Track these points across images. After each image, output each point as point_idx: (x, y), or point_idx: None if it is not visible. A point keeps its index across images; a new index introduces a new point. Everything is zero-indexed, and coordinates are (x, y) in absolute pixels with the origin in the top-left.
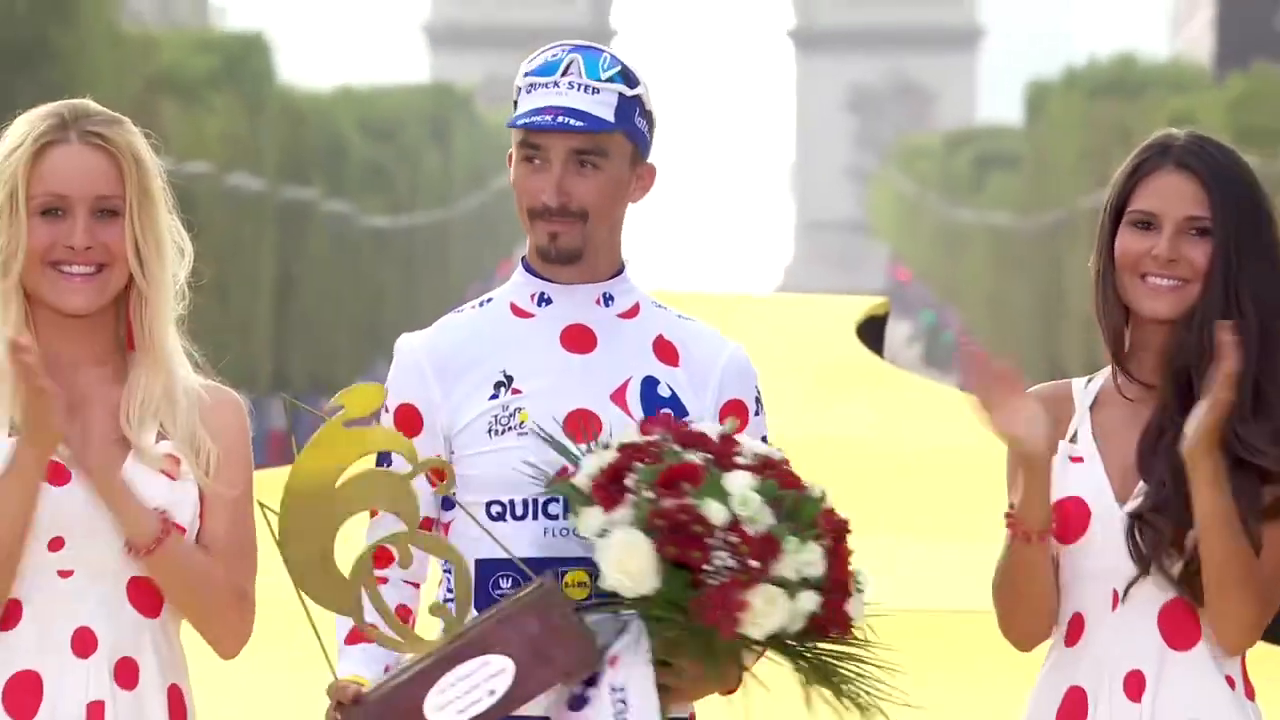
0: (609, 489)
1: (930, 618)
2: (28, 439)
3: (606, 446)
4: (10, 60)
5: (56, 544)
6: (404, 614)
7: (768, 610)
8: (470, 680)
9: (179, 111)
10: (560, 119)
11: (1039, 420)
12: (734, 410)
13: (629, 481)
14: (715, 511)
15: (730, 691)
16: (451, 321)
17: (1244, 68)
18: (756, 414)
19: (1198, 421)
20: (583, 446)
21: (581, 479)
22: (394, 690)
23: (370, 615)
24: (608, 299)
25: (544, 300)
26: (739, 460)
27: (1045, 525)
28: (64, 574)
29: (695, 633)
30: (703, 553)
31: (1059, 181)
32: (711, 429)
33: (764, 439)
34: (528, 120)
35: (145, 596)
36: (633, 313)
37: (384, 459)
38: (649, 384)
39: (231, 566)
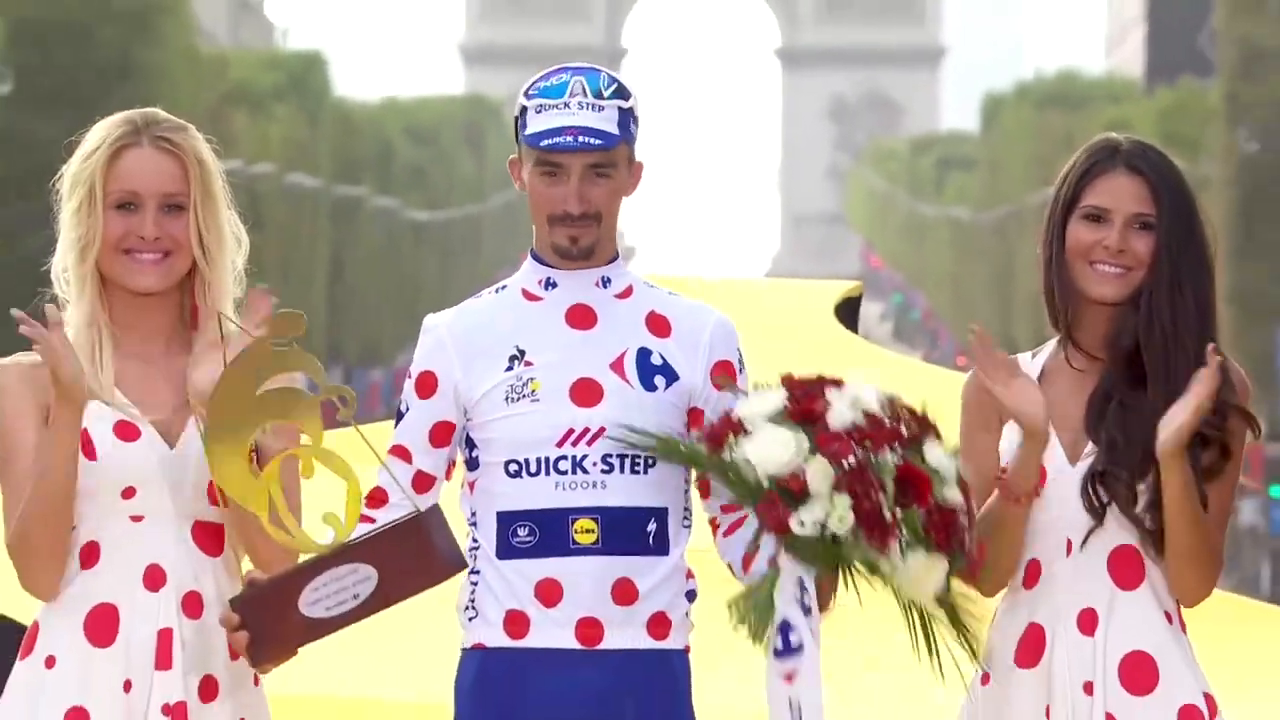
0: (878, 527)
1: None
2: (57, 393)
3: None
4: (100, 76)
5: (129, 493)
6: None
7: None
8: (341, 583)
9: (247, 120)
10: (580, 139)
11: (1038, 399)
12: (723, 369)
13: (887, 515)
14: (954, 496)
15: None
16: (472, 306)
17: (1171, 82)
18: (740, 371)
19: (1177, 425)
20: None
21: (839, 527)
22: (276, 581)
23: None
24: (605, 281)
25: (550, 284)
26: (902, 429)
27: (1032, 489)
28: (135, 519)
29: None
30: (961, 535)
31: (1010, 181)
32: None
33: (724, 383)
34: (551, 141)
35: (208, 537)
36: (627, 293)
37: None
38: (643, 354)
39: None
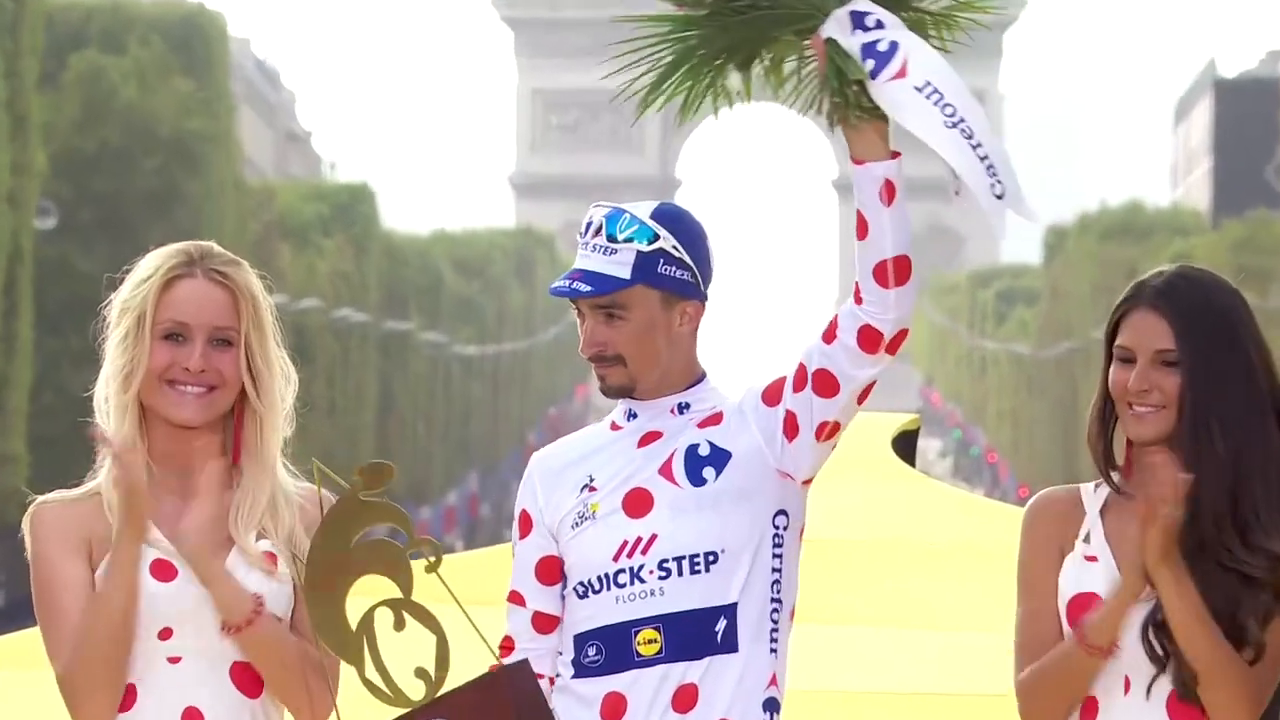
0: None
1: (949, 700)
2: (122, 534)
3: None
4: (144, 206)
5: (166, 634)
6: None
7: None
8: None
9: (293, 253)
10: (573, 285)
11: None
12: (766, 393)
13: None
14: None
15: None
16: (565, 440)
17: (1239, 215)
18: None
19: (1149, 545)
20: None
21: None
22: None
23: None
24: (683, 407)
25: (632, 415)
26: None
27: (1113, 643)
28: (173, 660)
29: None
30: None
31: (1073, 314)
32: None
33: (768, 385)
34: (554, 286)
35: (247, 679)
36: (714, 420)
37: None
38: (691, 451)
39: (322, 650)
